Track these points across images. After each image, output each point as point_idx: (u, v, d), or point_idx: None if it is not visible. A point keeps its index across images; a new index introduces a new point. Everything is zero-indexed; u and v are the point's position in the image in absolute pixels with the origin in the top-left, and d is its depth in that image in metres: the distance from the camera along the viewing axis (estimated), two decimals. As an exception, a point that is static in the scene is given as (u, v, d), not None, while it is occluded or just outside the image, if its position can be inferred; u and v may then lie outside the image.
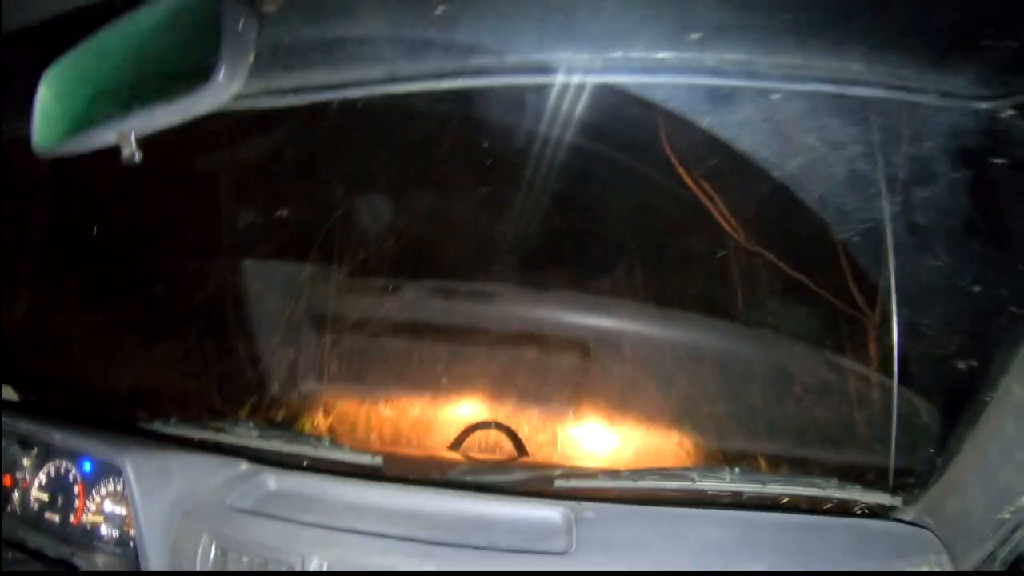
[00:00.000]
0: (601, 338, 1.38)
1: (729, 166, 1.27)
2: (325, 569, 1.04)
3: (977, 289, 1.06)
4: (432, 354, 1.47)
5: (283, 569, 1.07)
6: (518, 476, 1.20)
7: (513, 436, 1.25)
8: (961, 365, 1.07)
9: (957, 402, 1.10)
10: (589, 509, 1.08)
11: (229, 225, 1.45)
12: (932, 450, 1.12)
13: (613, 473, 1.17)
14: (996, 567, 1.13)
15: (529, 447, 1.26)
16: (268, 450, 1.29)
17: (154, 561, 1.21)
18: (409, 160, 1.45)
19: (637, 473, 1.15)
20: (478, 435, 1.32)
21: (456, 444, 1.32)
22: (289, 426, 1.30)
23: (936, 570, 1.09)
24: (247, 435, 1.34)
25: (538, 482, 1.15)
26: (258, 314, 1.48)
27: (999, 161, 0.94)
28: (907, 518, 1.16)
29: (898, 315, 1.07)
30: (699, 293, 1.38)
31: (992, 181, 0.98)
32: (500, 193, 1.43)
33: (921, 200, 1.06)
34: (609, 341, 1.39)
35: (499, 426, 1.29)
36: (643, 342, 1.39)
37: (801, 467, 1.17)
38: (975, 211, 1.02)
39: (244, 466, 1.26)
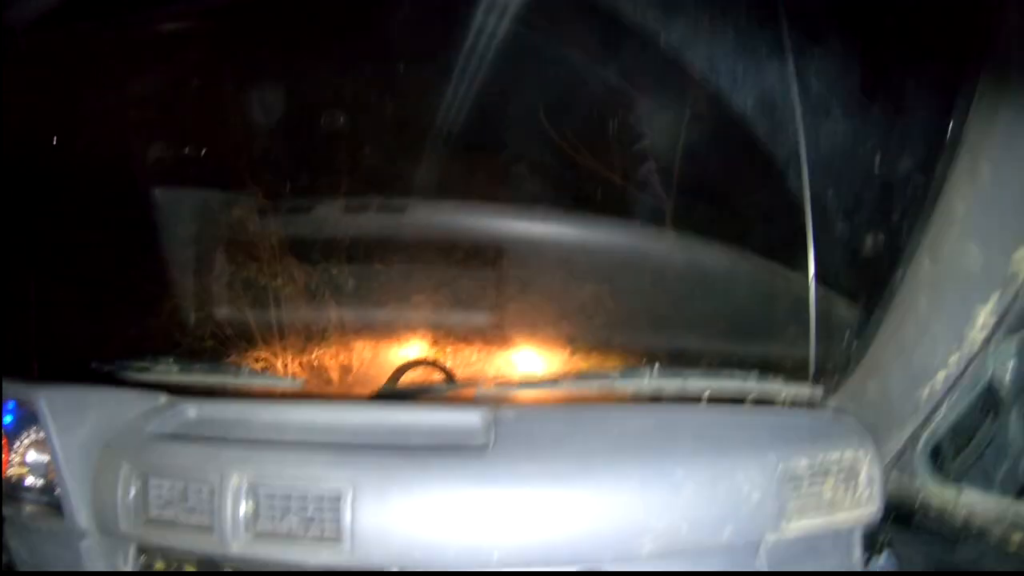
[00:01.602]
0: (519, 247, 1.36)
1: (649, 65, 1.24)
2: (245, 482, 1.01)
3: (879, 162, 1.06)
4: (351, 274, 1.43)
5: (203, 489, 1.05)
6: (440, 389, 1.18)
7: (441, 368, 1.23)
8: (872, 246, 1.08)
9: (872, 286, 1.11)
10: (509, 411, 1.07)
11: (131, 155, 1.37)
12: (851, 337, 1.13)
13: (533, 381, 1.16)
14: (918, 448, 1.16)
15: (455, 371, 1.25)
16: (188, 383, 1.26)
17: (75, 498, 1.18)
18: (313, 73, 1.39)
19: (557, 379, 1.14)
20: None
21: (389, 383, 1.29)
22: (208, 359, 1.26)
23: (860, 455, 1.11)
24: (167, 370, 1.30)
25: (459, 393, 1.14)
26: (168, 247, 1.42)
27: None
28: (829, 407, 1.18)
29: (811, 203, 1.07)
30: (616, 195, 1.36)
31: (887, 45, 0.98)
32: (412, 102, 1.38)
33: (817, 68, 1.05)
34: (527, 249, 1.36)
35: (428, 363, 1.27)
36: (561, 248, 1.37)
37: (722, 364, 1.17)
38: (872, 79, 1.02)
39: (164, 398, 1.23)
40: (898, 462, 1.15)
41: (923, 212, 1.03)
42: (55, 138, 1.31)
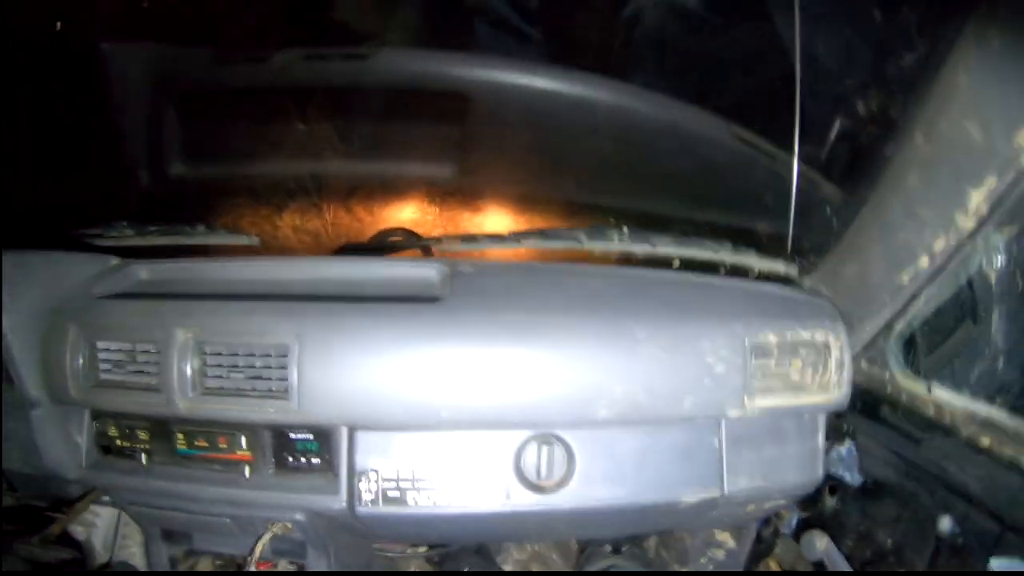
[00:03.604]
0: (489, 99, 1.28)
1: None
2: (191, 339, 0.98)
3: (878, 23, 0.97)
4: (311, 128, 1.35)
5: (150, 349, 1.01)
6: (400, 245, 1.13)
7: (403, 229, 1.17)
8: (862, 117, 1.00)
9: (859, 161, 1.04)
10: (468, 265, 1.02)
11: (78, 9, 1.26)
12: (832, 215, 1.07)
13: (496, 236, 1.11)
14: (892, 338, 1.12)
15: (418, 227, 1.19)
16: (142, 245, 1.20)
17: (24, 366, 1.14)
18: None
19: (521, 234, 1.09)
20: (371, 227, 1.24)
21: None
22: (163, 220, 1.20)
23: (831, 338, 1.07)
24: (120, 233, 1.24)
25: (419, 248, 1.09)
26: (120, 105, 1.33)
27: None
28: (804, 285, 1.13)
29: (800, 68, 0.99)
30: (596, 52, 1.28)
31: None
32: None
33: None
34: (498, 102, 1.28)
35: (392, 230, 1.21)
36: (534, 103, 1.29)
37: (695, 232, 1.12)
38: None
39: (115, 261, 1.18)
40: (870, 350, 1.12)
41: (921, 83, 0.95)
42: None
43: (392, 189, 1.36)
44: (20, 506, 1.30)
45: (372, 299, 0.95)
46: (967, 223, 0.94)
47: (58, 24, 1.27)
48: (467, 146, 1.37)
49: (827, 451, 1.14)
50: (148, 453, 1.08)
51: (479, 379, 0.94)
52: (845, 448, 1.16)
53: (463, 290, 0.97)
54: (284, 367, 0.94)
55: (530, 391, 0.95)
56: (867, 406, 1.14)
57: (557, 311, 0.96)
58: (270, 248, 1.13)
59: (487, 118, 1.31)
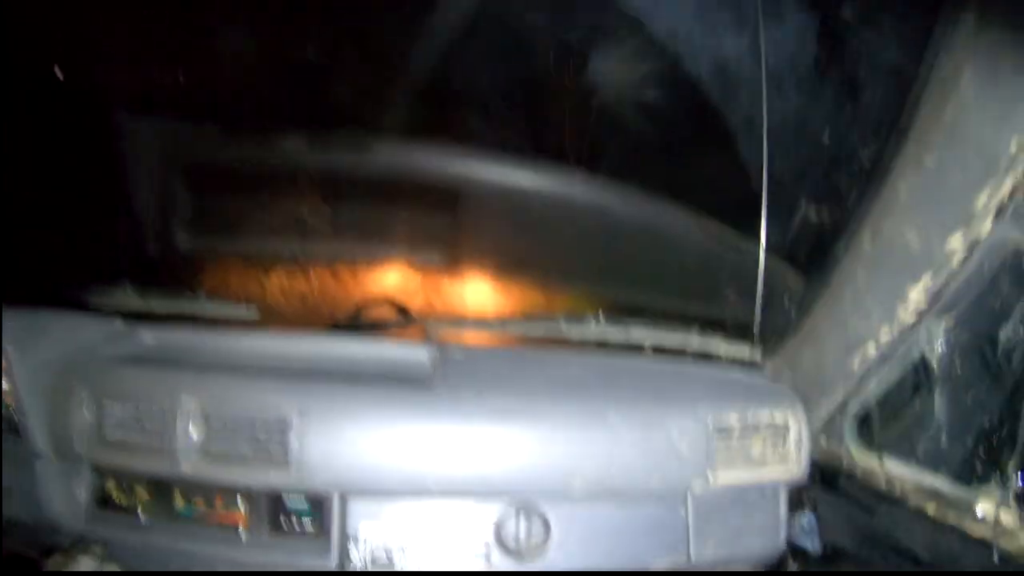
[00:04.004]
0: (479, 192, 1.38)
1: (610, 20, 1.27)
2: (197, 406, 1.05)
3: (833, 139, 1.10)
4: (311, 209, 1.44)
5: (157, 412, 1.08)
6: (391, 325, 1.21)
7: (395, 305, 1.25)
8: (818, 218, 1.12)
9: (815, 257, 1.15)
10: (458, 351, 1.11)
11: (94, 81, 1.35)
12: (792, 305, 1.18)
13: (483, 320, 1.20)
14: (847, 416, 1.22)
15: (409, 308, 1.28)
16: (146, 309, 1.27)
17: (33, 420, 1.20)
18: (280, 10, 1.38)
19: (506, 320, 1.18)
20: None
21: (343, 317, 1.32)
22: (166, 287, 1.27)
23: (790, 417, 1.16)
24: (125, 297, 1.31)
25: (411, 329, 1.17)
26: (130, 174, 1.41)
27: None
28: (766, 368, 1.23)
29: (768, 170, 1.10)
30: (575, 148, 1.39)
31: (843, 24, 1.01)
32: (377, 37, 1.38)
33: (775, 45, 1.08)
34: (487, 195, 1.39)
35: (383, 300, 1.29)
36: (520, 197, 1.39)
37: (667, 319, 1.21)
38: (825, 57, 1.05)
39: (121, 324, 1.25)
40: (827, 427, 1.21)
41: (868, 192, 1.08)
42: (16, 61, 1.29)
43: (384, 268, 1.45)
44: (12, 555, 1.33)
45: (369, 378, 1.03)
46: (908, 314, 1.05)
47: (76, 92, 1.36)
48: (455, 234, 1.47)
49: (789, 521, 1.22)
50: (148, 510, 1.13)
51: (465, 455, 1.02)
52: (806, 518, 1.24)
53: (452, 374, 1.06)
54: (284, 438, 1.01)
55: (511, 467, 1.02)
56: (826, 479, 1.22)
57: (537, 396, 1.05)
58: (267, 319, 1.20)
59: (473, 210, 1.42)
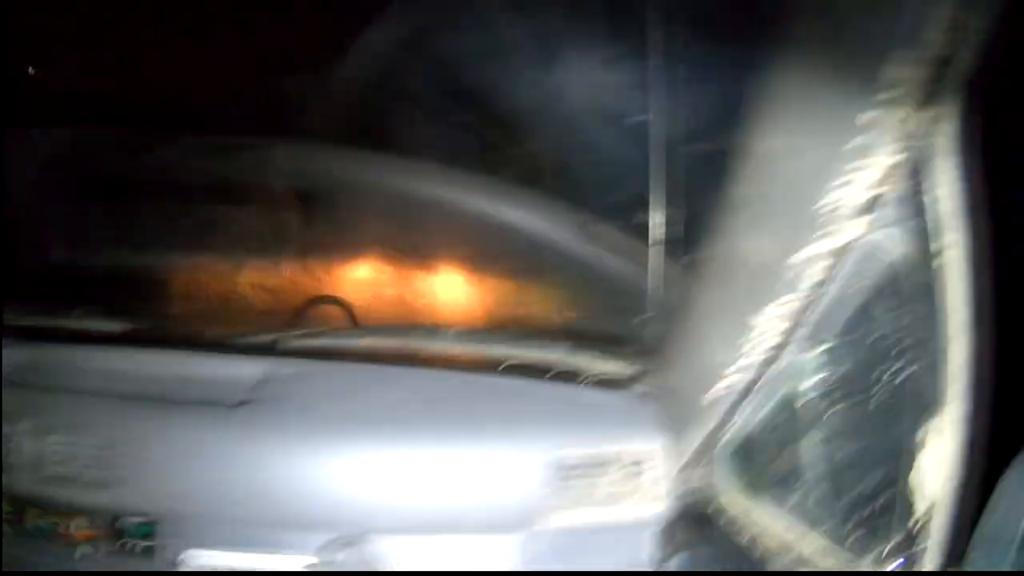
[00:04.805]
0: (337, 191, 1.35)
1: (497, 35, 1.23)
2: (33, 430, 1.06)
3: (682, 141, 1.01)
4: (202, 216, 1.44)
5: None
6: (246, 340, 1.18)
7: (244, 317, 1.22)
8: (687, 233, 1.04)
9: (686, 268, 1.07)
10: (291, 365, 1.07)
11: None
12: (663, 323, 1.09)
13: (335, 332, 1.17)
14: (716, 452, 1.11)
15: (260, 320, 1.26)
16: (18, 325, 1.29)
17: None
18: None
19: (359, 331, 1.14)
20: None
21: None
22: (39, 301, 1.28)
23: (652, 449, 1.07)
24: None
25: (250, 341, 1.14)
26: (7, 184, 1.43)
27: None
28: (635, 392, 1.13)
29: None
30: (457, 151, 1.34)
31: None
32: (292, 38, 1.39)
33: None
34: (346, 196, 1.34)
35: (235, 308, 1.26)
36: (383, 196, 1.34)
37: (533, 335, 1.14)
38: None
39: None
40: (697, 462, 1.11)
41: (723, 203, 0.98)
42: None
43: (231, 276, 1.43)
44: None
45: (182, 399, 1.03)
46: (769, 337, 0.94)
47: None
48: (304, 239, 1.44)
49: (659, 563, 1.13)
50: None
51: (282, 482, 0.99)
52: (676, 560, 1.15)
53: (265, 395, 1.04)
54: (110, 459, 1.02)
55: (328, 497, 0.99)
56: (699, 519, 1.13)
57: (363, 422, 1.01)
58: (138, 334, 1.19)
59: (335, 212, 1.39)
